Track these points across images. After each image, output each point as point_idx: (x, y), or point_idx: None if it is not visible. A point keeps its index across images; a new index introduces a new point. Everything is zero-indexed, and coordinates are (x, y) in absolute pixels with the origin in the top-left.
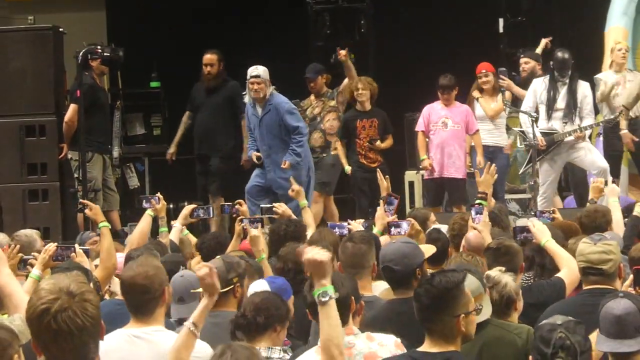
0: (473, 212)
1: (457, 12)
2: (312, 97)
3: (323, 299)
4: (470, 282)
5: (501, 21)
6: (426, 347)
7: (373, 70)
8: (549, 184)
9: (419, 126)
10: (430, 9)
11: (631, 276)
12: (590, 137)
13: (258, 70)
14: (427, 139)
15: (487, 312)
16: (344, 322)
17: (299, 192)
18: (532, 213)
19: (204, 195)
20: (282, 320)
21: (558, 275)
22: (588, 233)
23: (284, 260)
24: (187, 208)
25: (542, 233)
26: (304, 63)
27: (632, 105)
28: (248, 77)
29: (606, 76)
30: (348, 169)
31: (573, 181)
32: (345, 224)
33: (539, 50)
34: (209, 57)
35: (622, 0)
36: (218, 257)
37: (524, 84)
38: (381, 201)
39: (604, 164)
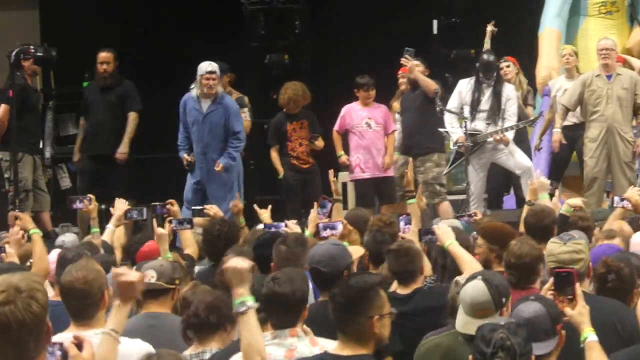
0: (402, 223)
1: (391, 14)
2: None
3: (241, 309)
4: (478, 295)
5: (435, 22)
6: (338, 349)
7: (307, 71)
8: (477, 185)
9: (336, 126)
10: (364, 10)
11: (551, 279)
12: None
13: (213, 66)
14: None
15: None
16: (293, 324)
17: (240, 210)
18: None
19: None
20: (233, 320)
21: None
22: (534, 234)
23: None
24: (121, 209)
25: (445, 235)
26: (239, 64)
27: (574, 107)
28: (202, 72)
29: (554, 83)
30: (281, 175)
31: (514, 182)
32: (282, 224)
33: (487, 41)
34: (104, 55)
35: (556, 2)
36: (161, 257)
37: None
38: (315, 204)
39: (528, 163)
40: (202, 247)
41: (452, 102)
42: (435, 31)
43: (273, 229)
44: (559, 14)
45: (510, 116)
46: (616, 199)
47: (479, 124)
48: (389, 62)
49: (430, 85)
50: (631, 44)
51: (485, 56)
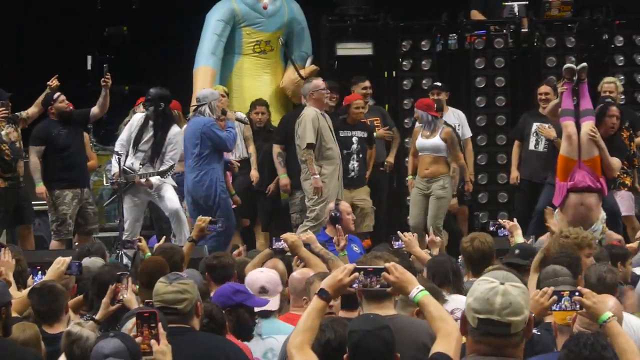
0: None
1: (46, 49)
2: None
3: None
4: None
5: (89, 58)
6: None
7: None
8: (131, 223)
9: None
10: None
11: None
12: None
13: None
14: None
15: None
16: None
17: None
18: (121, 253)
19: None
20: None
21: None
22: None
23: None
24: None
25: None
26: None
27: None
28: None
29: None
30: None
31: None
32: None
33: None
34: None
35: (210, 40)
36: None
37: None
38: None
39: (176, 206)
40: None
41: (122, 135)
42: (89, 67)
43: None
44: (213, 52)
45: (168, 161)
46: None
47: (136, 163)
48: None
49: None
50: (285, 83)
51: (152, 90)
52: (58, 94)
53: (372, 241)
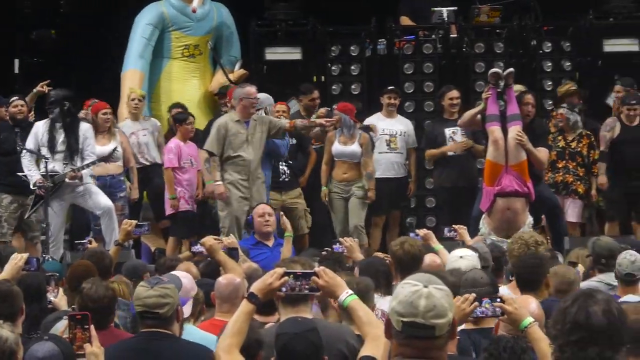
0: None
1: None
2: None
3: None
4: None
5: (17, 62)
6: None
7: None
8: (56, 227)
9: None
10: None
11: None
12: None
13: None
14: None
15: None
16: None
17: None
18: (47, 257)
19: None
20: None
21: None
22: None
23: None
24: None
25: None
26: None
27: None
28: None
29: (125, 125)
30: None
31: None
32: None
33: None
34: None
35: (139, 43)
36: None
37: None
38: None
39: (108, 203)
40: None
41: (29, 144)
42: (17, 70)
43: None
44: (142, 55)
45: (89, 155)
46: None
47: (57, 165)
48: None
49: None
50: (214, 87)
51: (53, 92)
52: (15, 98)
53: (310, 245)
